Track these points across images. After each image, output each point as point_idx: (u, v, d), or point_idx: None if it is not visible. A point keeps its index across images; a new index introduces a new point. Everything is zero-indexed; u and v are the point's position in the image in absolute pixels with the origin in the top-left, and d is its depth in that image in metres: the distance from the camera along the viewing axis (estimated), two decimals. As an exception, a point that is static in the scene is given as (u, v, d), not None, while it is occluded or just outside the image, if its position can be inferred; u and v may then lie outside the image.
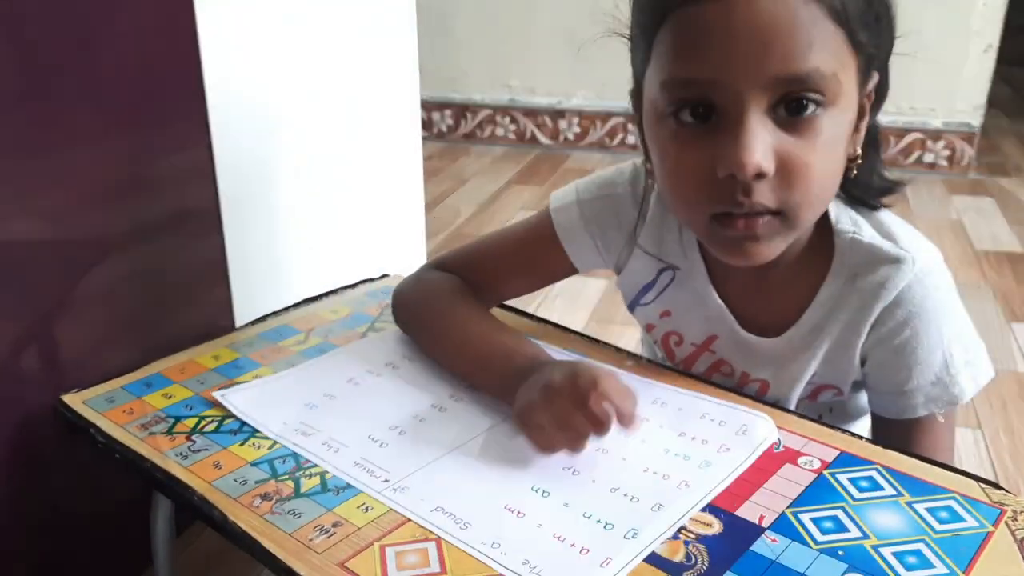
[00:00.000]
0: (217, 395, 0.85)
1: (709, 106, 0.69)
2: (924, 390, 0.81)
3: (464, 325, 0.91)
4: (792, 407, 0.87)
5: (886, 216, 0.83)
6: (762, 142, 0.67)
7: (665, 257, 0.90)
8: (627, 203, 0.90)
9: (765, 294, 0.81)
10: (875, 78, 0.74)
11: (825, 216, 0.80)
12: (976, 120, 2.95)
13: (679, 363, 0.93)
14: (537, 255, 0.95)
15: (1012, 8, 2.84)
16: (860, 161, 0.76)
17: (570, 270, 0.95)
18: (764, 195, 0.69)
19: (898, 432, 0.84)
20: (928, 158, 3.01)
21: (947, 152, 2.99)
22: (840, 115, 0.70)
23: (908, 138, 2.99)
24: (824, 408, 0.91)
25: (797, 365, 0.85)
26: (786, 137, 0.68)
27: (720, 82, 0.67)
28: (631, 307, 0.97)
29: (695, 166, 0.71)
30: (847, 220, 0.81)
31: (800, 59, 0.66)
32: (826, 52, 0.67)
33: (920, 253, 0.79)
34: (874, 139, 0.80)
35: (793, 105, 0.68)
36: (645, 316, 0.95)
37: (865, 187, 0.81)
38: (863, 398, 0.91)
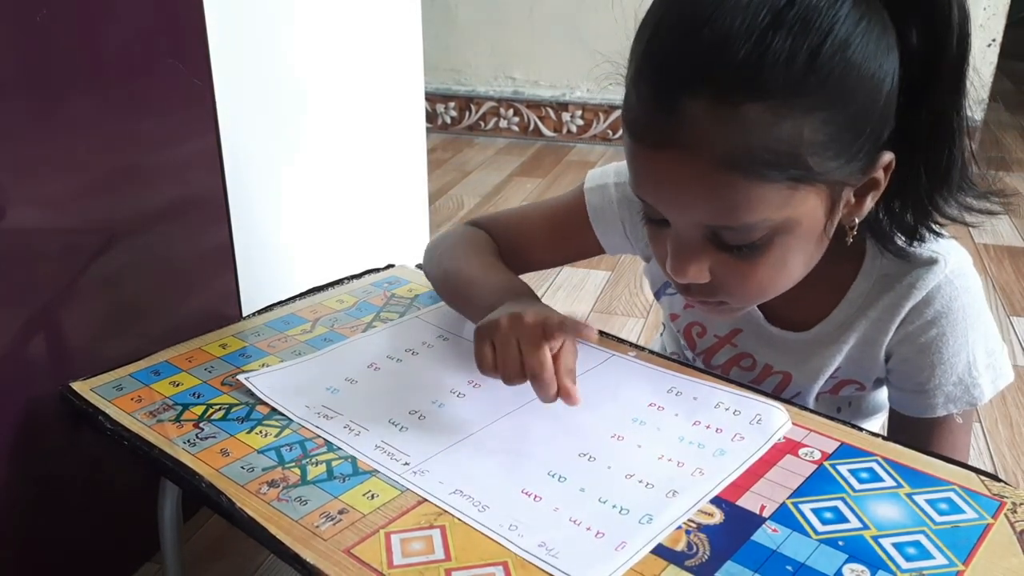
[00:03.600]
0: (242, 378, 0.86)
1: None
2: (945, 390, 0.82)
3: (469, 265, 0.93)
4: (812, 399, 0.89)
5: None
6: (695, 261, 0.70)
7: None
8: None
9: (794, 290, 0.81)
10: (885, 157, 0.69)
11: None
12: (978, 114, 2.95)
13: (700, 353, 0.94)
14: (568, 231, 0.96)
15: (1014, 2, 2.84)
16: (855, 231, 0.73)
17: (598, 249, 0.96)
18: (706, 293, 0.73)
19: (916, 431, 0.84)
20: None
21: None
22: (796, 235, 0.68)
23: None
24: (843, 402, 0.91)
25: (822, 359, 0.86)
26: (726, 257, 0.69)
27: (659, 210, 0.70)
28: (657, 295, 0.98)
29: (655, 248, 0.75)
30: (876, 244, 0.80)
31: (725, 217, 0.66)
32: (760, 208, 0.65)
33: (952, 255, 0.79)
34: (918, 181, 0.73)
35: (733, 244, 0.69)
36: (670, 305, 0.96)
37: (888, 238, 0.77)
38: (881, 395, 0.92)
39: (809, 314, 0.85)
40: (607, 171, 0.94)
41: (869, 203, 0.72)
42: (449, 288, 0.96)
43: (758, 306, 0.87)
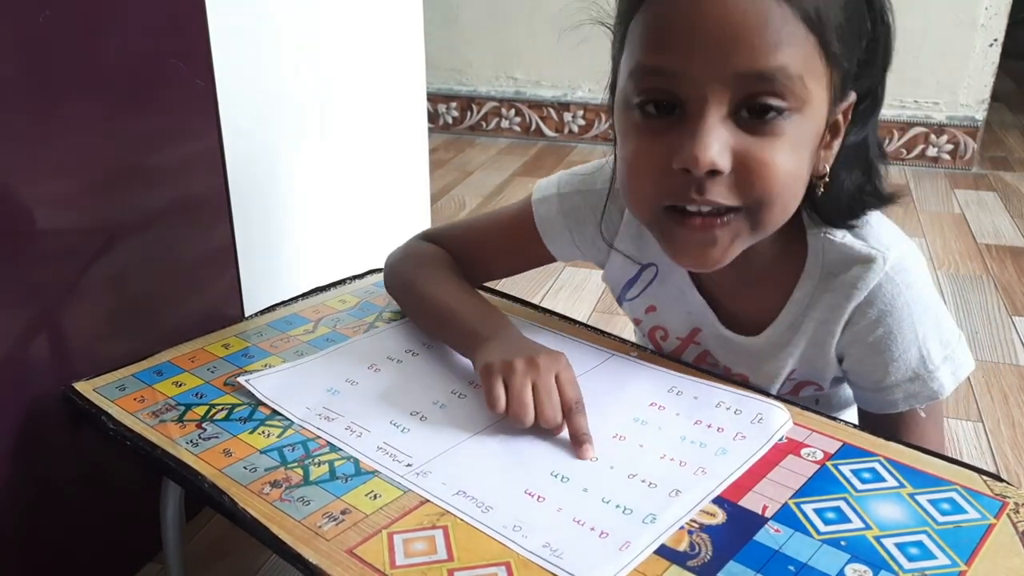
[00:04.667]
0: (242, 380, 0.86)
1: (673, 100, 0.69)
2: (903, 386, 0.82)
3: (437, 289, 0.95)
4: None
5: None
6: (719, 139, 0.67)
7: (643, 258, 0.91)
8: (604, 199, 0.91)
9: (743, 292, 0.81)
10: (851, 97, 0.73)
11: (799, 217, 0.80)
12: (980, 114, 2.95)
13: (667, 356, 0.94)
14: (519, 242, 0.97)
15: (1016, 1, 2.83)
16: (827, 179, 0.75)
17: (550, 258, 0.98)
18: (719, 193, 0.69)
19: (883, 428, 0.84)
20: (931, 152, 3.01)
21: (950, 146, 2.99)
22: (805, 123, 0.69)
23: (911, 132, 2.99)
24: (809, 401, 0.91)
25: (774, 363, 0.86)
26: (747, 137, 0.68)
27: (685, 74, 0.67)
28: (619, 301, 0.98)
29: (652, 157, 0.71)
30: (819, 220, 0.81)
31: (766, 56, 0.65)
32: (794, 53, 0.66)
33: (891, 251, 0.79)
34: (864, 158, 0.78)
35: (756, 107, 0.68)
36: (632, 310, 0.97)
37: (835, 207, 0.79)
38: (847, 390, 0.92)
39: (759, 317, 0.86)
40: (551, 182, 0.95)
41: (835, 149, 0.75)
42: (423, 316, 0.97)
43: (712, 308, 0.88)
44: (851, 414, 0.95)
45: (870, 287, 0.79)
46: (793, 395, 0.90)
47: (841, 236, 0.80)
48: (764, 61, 0.66)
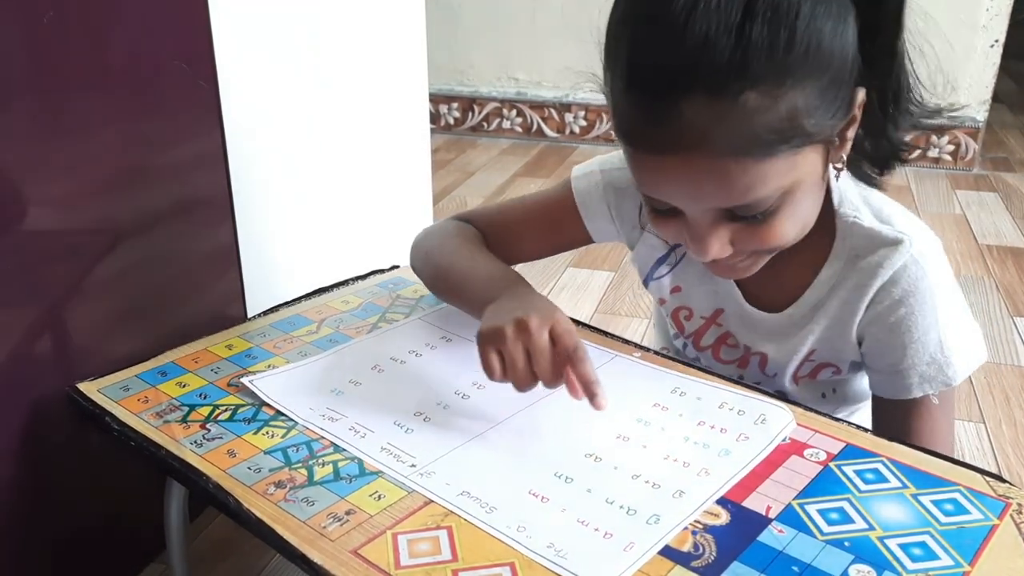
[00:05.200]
0: (245, 381, 0.87)
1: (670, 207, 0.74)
2: (919, 370, 0.83)
3: (453, 257, 0.96)
4: (787, 379, 0.90)
5: (886, 203, 0.85)
6: (717, 239, 0.73)
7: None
8: None
9: (770, 272, 0.82)
10: (860, 96, 0.72)
11: (828, 199, 0.82)
12: (981, 115, 2.95)
13: (689, 336, 0.96)
14: (555, 221, 0.99)
15: (1017, 2, 2.83)
16: (843, 165, 0.77)
17: (584, 239, 0.99)
18: (731, 257, 0.76)
19: (895, 414, 0.85)
20: (932, 153, 3.01)
21: (951, 147, 2.99)
22: (800, 191, 0.72)
23: (912, 132, 2.98)
24: (827, 388, 0.93)
25: (795, 340, 0.88)
26: (744, 228, 0.73)
27: (671, 203, 0.73)
28: (645, 282, 0.99)
29: (665, 231, 0.78)
30: (849, 204, 0.83)
31: (740, 198, 0.69)
32: (772, 180, 0.69)
33: (917, 235, 0.81)
34: (873, 107, 0.77)
35: (745, 217, 0.72)
36: (658, 290, 0.98)
37: (870, 159, 0.81)
38: (863, 382, 0.93)
39: (784, 295, 0.88)
40: (591, 163, 0.97)
41: (850, 137, 0.75)
42: (440, 283, 0.99)
43: (737, 286, 0.90)
44: (864, 413, 0.95)
45: (895, 268, 0.81)
46: (811, 379, 0.91)
47: (869, 221, 0.82)
48: (738, 200, 0.70)
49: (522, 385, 0.77)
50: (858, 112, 0.73)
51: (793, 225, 0.74)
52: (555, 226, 0.99)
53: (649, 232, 0.94)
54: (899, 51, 0.74)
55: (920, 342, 0.82)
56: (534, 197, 1.03)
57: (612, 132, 0.75)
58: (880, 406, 0.89)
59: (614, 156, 0.95)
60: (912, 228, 0.82)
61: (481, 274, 0.91)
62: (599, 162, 0.96)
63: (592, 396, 0.75)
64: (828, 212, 0.83)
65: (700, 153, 0.66)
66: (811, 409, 0.83)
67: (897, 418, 0.85)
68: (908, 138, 0.80)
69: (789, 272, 0.86)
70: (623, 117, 0.70)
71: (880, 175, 0.82)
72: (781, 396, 0.85)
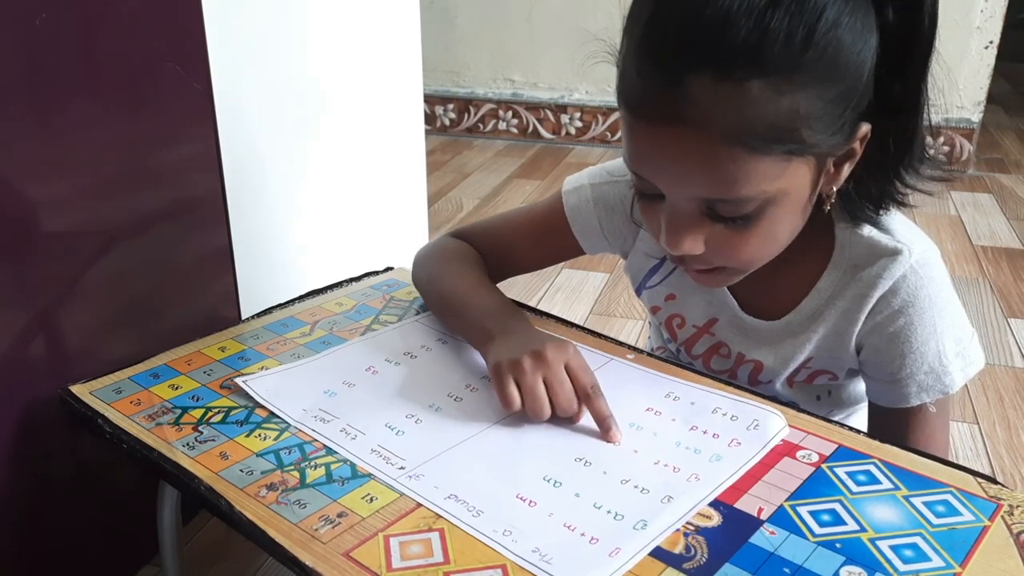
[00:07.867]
0: (239, 381, 0.87)
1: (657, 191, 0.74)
2: (917, 379, 0.83)
3: (455, 284, 0.97)
4: (779, 384, 0.91)
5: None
6: (690, 234, 0.73)
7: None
8: (632, 189, 0.92)
9: (766, 280, 0.83)
10: (863, 129, 0.71)
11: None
12: (976, 116, 2.95)
13: (681, 343, 0.96)
14: (548, 234, 0.99)
15: (1012, 3, 2.84)
16: (832, 200, 0.77)
17: (577, 250, 1.00)
18: (701, 261, 0.76)
19: (892, 422, 0.86)
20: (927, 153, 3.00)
21: (946, 148, 2.99)
22: (781, 208, 0.71)
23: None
24: (822, 391, 0.93)
25: (792, 347, 0.88)
26: (721, 229, 0.72)
27: (657, 185, 0.72)
28: (638, 291, 0.99)
29: (648, 221, 0.78)
30: (846, 215, 0.82)
31: (724, 190, 0.69)
32: (757, 180, 0.68)
33: (916, 245, 0.81)
34: (889, 165, 0.77)
35: (725, 218, 0.71)
36: (651, 299, 0.98)
37: (855, 207, 0.80)
38: (860, 386, 0.93)
39: (781, 303, 0.88)
40: (582, 175, 0.98)
41: (845, 172, 0.75)
42: (442, 307, 0.99)
43: (733, 295, 0.90)
44: (860, 416, 0.95)
45: (895, 278, 0.81)
46: (807, 384, 0.91)
47: (868, 231, 0.82)
48: (723, 193, 0.69)
49: (541, 415, 0.78)
50: (859, 147, 0.73)
51: (766, 244, 0.74)
52: (549, 240, 1.00)
53: (642, 242, 0.94)
54: (921, 101, 0.73)
55: (919, 352, 0.82)
56: (528, 211, 1.03)
57: (617, 129, 0.75)
58: (877, 413, 0.89)
59: (603, 170, 0.96)
60: (911, 237, 0.82)
61: (482, 307, 0.92)
62: (589, 175, 0.97)
63: (607, 431, 0.78)
64: (827, 221, 0.82)
65: (695, 130, 0.65)
66: (803, 411, 0.83)
67: (894, 425, 0.85)
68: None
69: (786, 281, 0.86)
70: (627, 82, 0.69)
71: (876, 215, 0.81)
72: (774, 399, 0.85)
